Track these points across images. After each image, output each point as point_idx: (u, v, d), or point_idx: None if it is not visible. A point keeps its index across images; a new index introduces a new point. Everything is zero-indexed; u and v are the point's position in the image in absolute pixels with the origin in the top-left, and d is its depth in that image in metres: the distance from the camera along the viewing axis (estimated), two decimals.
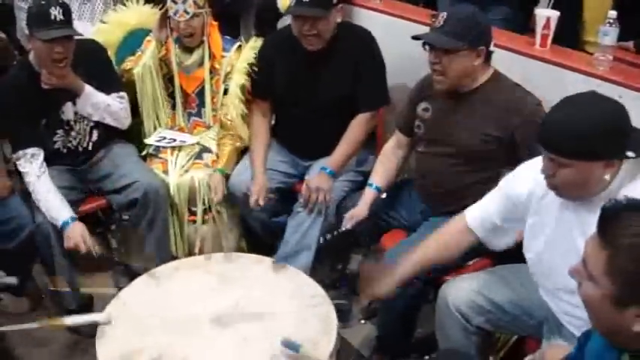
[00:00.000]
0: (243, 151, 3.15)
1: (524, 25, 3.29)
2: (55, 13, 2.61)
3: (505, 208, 2.10)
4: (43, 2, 2.64)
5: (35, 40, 2.65)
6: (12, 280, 2.48)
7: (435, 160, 2.57)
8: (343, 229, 2.70)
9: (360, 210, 2.69)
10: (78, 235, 2.71)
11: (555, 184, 1.82)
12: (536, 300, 2.10)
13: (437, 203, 2.60)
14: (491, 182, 2.46)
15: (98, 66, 2.94)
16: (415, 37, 2.44)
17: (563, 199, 1.88)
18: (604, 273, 1.31)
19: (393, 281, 2.22)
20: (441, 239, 2.23)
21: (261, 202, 2.87)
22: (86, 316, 2.34)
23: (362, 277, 2.33)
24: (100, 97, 2.90)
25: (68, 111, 2.87)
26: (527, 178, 2.02)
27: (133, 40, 3.18)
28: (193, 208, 3.03)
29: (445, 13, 2.38)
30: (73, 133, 2.92)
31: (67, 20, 2.67)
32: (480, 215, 2.17)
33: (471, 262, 2.51)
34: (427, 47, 2.43)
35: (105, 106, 2.91)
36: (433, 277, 2.44)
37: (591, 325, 1.44)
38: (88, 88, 2.85)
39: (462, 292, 2.21)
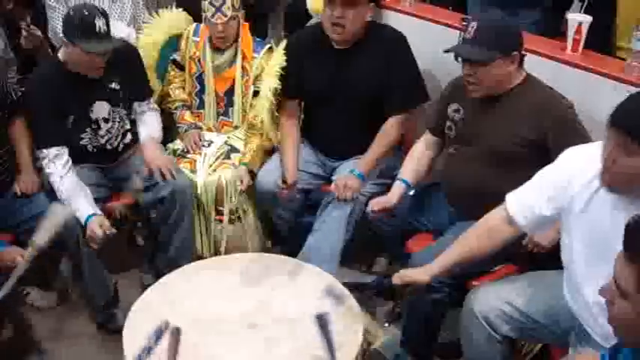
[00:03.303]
0: (269, 153, 3.16)
1: (555, 28, 3.26)
2: (100, 24, 2.63)
3: (548, 194, 2.03)
4: (86, 12, 2.65)
5: (76, 48, 2.67)
6: None
7: (465, 161, 2.56)
8: (369, 210, 2.69)
9: (387, 198, 2.68)
10: (96, 224, 2.71)
11: (612, 174, 1.75)
12: (564, 308, 2.08)
13: (465, 206, 2.58)
14: (521, 185, 2.47)
15: (130, 68, 2.96)
16: (447, 51, 2.42)
17: (614, 195, 1.80)
18: (637, 290, 1.29)
19: (431, 270, 2.20)
20: (482, 230, 2.18)
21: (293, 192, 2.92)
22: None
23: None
24: (155, 122, 3.07)
25: (98, 110, 2.89)
26: (572, 165, 1.97)
27: (173, 44, 3.27)
28: (220, 208, 3.06)
29: (475, 23, 2.35)
30: (101, 132, 2.93)
31: (109, 30, 2.70)
32: (521, 203, 2.10)
33: (497, 268, 2.50)
34: (459, 58, 2.41)
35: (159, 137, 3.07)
36: (459, 282, 2.43)
37: (623, 341, 1.41)
38: (151, 132, 3.00)
39: (489, 299, 2.19)
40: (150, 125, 3.07)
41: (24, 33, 3.13)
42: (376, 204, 2.69)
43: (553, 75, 2.67)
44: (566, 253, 2.03)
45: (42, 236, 2.43)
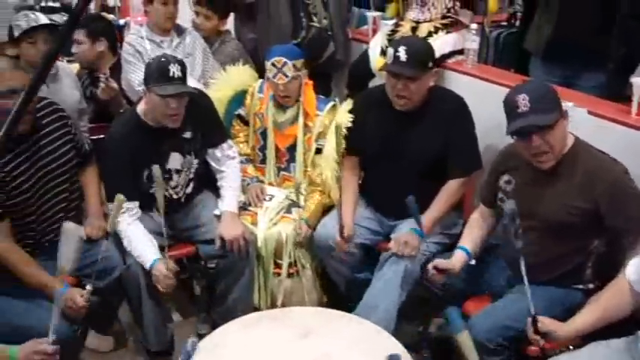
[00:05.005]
0: (329, 209, 3.17)
1: (619, 92, 3.23)
2: (174, 70, 2.74)
3: None
4: (163, 59, 2.79)
5: (152, 93, 2.78)
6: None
7: (522, 232, 2.53)
8: (430, 268, 2.67)
9: (451, 264, 2.64)
10: (162, 265, 2.76)
11: None
12: None
13: (527, 273, 2.54)
14: (580, 253, 2.45)
15: (204, 115, 3.03)
16: (515, 132, 2.38)
17: None
18: None
19: (574, 324, 2.23)
20: (615, 297, 2.21)
21: (348, 247, 2.92)
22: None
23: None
24: (237, 192, 3.11)
25: (173, 161, 2.97)
26: None
27: (239, 99, 3.37)
28: (279, 261, 3.08)
29: (525, 96, 2.32)
30: (172, 183, 3.00)
31: (184, 77, 2.80)
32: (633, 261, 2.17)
33: None
34: (515, 136, 2.41)
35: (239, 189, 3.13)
36: (517, 346, 2.39)
37: None
38: (229, 205, 3.03)
39: None
40: (230, 183, 3.09)
41: (101, 85, 3.26)
42: (439, 264, 2.66)
43: (617, 139, 2.66)
44: None
45: (68, 260, 2.45)
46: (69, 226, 2.48)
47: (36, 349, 2.25)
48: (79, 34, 3.46)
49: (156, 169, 2.73)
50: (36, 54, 3.12)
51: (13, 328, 2.39)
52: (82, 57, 3.53)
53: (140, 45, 3.42)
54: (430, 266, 2.67)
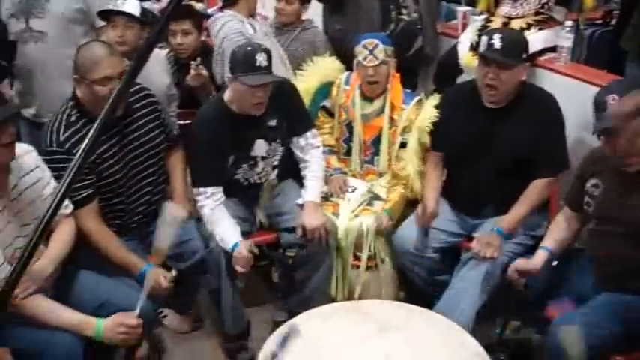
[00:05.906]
0: (411, 204, 3.14)
1: None
2: (261, 59, 2.76)
3: None
4: (249, 48, 2.82)
5: (238, 82, 2.81)
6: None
7: (608, 239, 2.46)
8: (512, 269, 2.63)
9: (533, 263, 2.60)
10: (242, 247, 2.78)
11: None
12: None
13: (611, 280, 2.47)
14: None
15: (289, 103, 3.05)
16: (602, 132, 2.34)
17: None
18: None
19: None
20: None
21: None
22: None
23: None
24: (320, 182, 3.10)
25: (258, 148, 3.00)
26: None
27: (325, 90, 3.37)
28: (358, 253, 3.07)
29: (615, 96, 2.29)
30: (257, 169, 3.03)
31: (270, 66, 2.82)
32: None
33: None
34: (601, 136, 2.35)
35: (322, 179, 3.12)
36: (602, 356, 2.32)
37: None
38: (312, 195, 3.02)
39: None
40: (314, 173, 3.08)
41: (192, 72, 3.32)
42: (520, 266, 2.61)
43: None
44: None
45: (164, 240, 2.54)
46: (170, 207, 2.55)
47: (122, 322, 2.35)
48: (184, 25, 3.41)
49: None
50: (114, 37, 3.13)
51: (100, 303, 2.47)
52: (190, 47, 3.47)
53: (246, 31, 3.39)
54: (511, 268, 2.63)
